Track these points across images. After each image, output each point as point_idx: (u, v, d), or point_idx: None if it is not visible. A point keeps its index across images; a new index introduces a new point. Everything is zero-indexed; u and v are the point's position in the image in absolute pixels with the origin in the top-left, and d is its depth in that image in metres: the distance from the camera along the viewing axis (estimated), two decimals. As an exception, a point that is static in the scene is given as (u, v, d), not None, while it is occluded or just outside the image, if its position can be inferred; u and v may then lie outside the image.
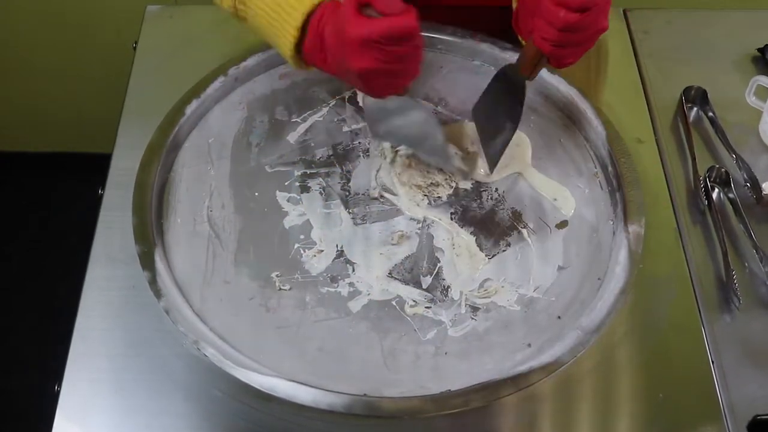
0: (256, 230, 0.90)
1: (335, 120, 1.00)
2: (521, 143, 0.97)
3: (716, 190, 0.94)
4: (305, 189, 0.93)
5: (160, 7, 1.10)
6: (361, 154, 0.96)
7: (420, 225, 0.90)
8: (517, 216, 0.92)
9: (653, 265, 0.86)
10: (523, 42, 0.91)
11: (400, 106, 0.88)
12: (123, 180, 0.91)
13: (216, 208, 0.91)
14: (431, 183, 0.93)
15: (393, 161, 0.95)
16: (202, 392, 0.77)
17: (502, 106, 0.90)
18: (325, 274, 0.86)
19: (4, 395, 1.68)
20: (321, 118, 1.00)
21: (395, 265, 0.87)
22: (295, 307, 0.84)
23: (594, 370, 0.80)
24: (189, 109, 0.97)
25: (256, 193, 0.93)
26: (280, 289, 0.85)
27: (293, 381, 0.76)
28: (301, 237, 0.89)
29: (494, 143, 0.92)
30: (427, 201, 0.92)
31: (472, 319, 0.83)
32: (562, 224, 0.91)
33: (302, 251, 0.88)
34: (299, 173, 0.94)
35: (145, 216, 0.87)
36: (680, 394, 0.79)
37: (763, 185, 0.92)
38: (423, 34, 1.04)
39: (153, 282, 0.82)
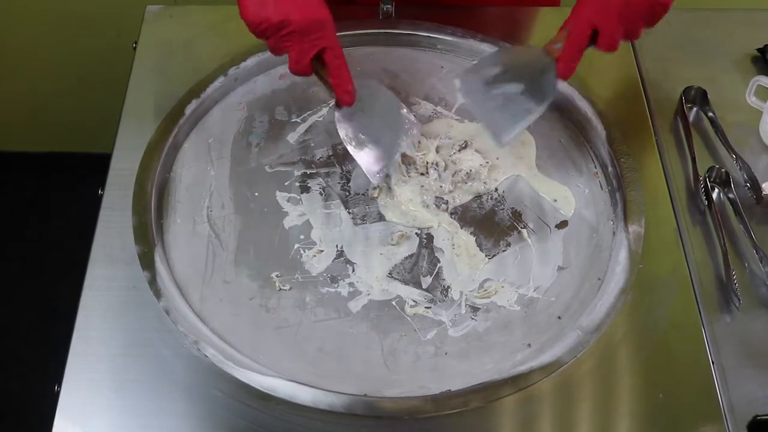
0: (256, 230, 0.90)
1: (335, 120, 0.99)
2: (527, 142, 0.97)
3: (716, 190, 0.94)
4: (305, 189, 0.93)
5: (160, 7, 1.10)
6: (361, 154, 0.96)
7: (420, 225, 0.91)
8: (517, 216, 0.92)
9: (653, 265, 0.86)
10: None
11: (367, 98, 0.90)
12: (123, 180, 0.91)
13: (216, 208, 0.91)
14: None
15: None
16: (202, 392, 0.77)
17: (524, 83, 0.88)
18: (325, 275, 0.86)
19: (4, 395, 1.67)
20: (321, 119, 1.00)
21: (395, 265, 0.87)
22: (295, 307, 0.84)
23: (594, 370, 0.80)
24: (189, 109, 0.97)
25: (256, 193, 0.93)
26: (280, 289, 0.85)
27: (293, 381, 0.76)
28: (301, 237, 0.89)
29: (506, 116, 0.88)
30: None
31: (472, 319, 0.83)
32: (562, 224, 0.91)
33: (302, 251, 0.88)
34: (299, 173, 0.94)
35: (145, 216, 0.87)
36: (680, 394, 0.79)
37: (763, 185, 0.92)
38: (423, 34, 1.06)
39: (153, 282, 0.82)
